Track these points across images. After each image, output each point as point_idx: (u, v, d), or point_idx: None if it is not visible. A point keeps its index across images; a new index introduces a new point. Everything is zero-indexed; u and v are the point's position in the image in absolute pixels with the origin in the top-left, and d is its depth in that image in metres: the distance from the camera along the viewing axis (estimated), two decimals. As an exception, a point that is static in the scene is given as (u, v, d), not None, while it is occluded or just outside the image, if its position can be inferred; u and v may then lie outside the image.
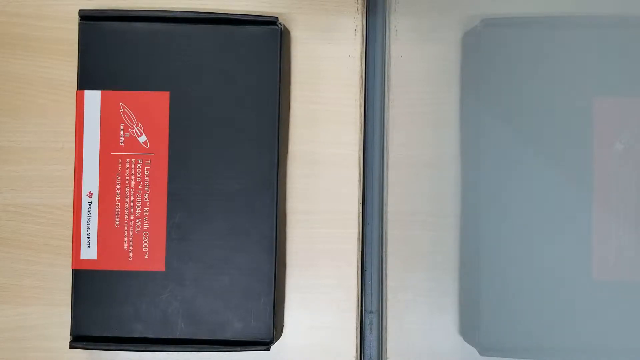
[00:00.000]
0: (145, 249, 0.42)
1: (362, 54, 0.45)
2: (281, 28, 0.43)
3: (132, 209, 0.42)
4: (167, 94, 0.42)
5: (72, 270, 0.42)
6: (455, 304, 0.44)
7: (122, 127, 0.42)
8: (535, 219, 0.42)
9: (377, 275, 0.45)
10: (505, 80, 0.43)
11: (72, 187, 0.43)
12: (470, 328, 0.43)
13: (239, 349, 0.42)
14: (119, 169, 0.42)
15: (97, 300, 0.42)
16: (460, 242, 0.44)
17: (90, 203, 0.42)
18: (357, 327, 0.44)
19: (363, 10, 0.45)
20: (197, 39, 0.43)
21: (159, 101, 0.42)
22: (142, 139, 0.42)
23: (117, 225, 0.42)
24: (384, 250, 0.45)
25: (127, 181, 0.42)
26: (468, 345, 0.44)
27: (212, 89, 0.42)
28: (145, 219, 0.42)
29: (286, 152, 0.45)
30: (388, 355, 0.45)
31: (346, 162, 0.45)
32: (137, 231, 0.42)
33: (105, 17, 0.43)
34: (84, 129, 0.42)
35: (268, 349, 0.42)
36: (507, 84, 0.43)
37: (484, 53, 0.43)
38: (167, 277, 0.42)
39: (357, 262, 0.45)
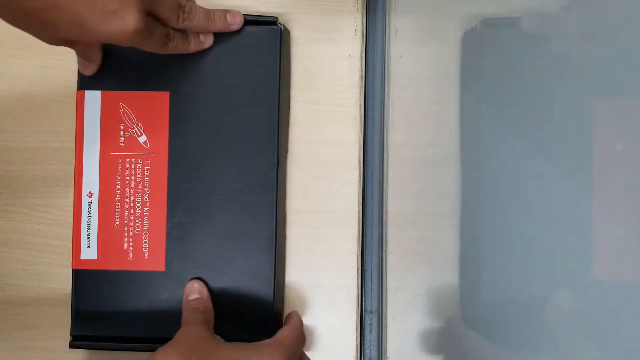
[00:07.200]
0: (145, 248, 0.42)
1: (362, 53, 0.45)
2: (281, 28, 0.43)
3: (132, 208, 0.42)
4: (167, 94, 0.42)
5: (72, 270, 0.42)
6: (455, 304, 0.44)
7: (122, 127, 0.42)
8: (535, 219, 0.42)
9: (377, 275, 0.45)
10: (505, 80, 0.43)
11: (72, 187, 0.43)
12: (470, 328, 0.43)
13: (239, 349, 0.42)
14: (119, 168, 0.42)
15: (97, 300, 0.42)
16: (460, 242, 0.44)
17: (90, 203, 0.42)
18: (357, 327, 0.44)
19: (363, 10, 0.45)
20: (197, 39, 0.43)
21: (159, 101, 0.42)
22: (142, 139, 0.42)
23: (117, 225, 0.42)
24: (384, 250, 0.45)
25: (127, 181, 0.42)
26: (468, 344, 0.44)
27: (212, 89, 0.42)
28: (145, 218, 0.42)
29: (286, 152, 0.45)
30: (388, 355, 0.45)
31: (346, 162, 0.45)
32: (137, 231, 0.42)
33: (105, 17, 0.43)
34: (84, 129, 0.42)
35: (268, 349, 0.42)
36: (507, 84, 0.43)
37: (484, 53, 0.43)
38: (167, 277, 0.42)
39: (357, 262, 0.45)
